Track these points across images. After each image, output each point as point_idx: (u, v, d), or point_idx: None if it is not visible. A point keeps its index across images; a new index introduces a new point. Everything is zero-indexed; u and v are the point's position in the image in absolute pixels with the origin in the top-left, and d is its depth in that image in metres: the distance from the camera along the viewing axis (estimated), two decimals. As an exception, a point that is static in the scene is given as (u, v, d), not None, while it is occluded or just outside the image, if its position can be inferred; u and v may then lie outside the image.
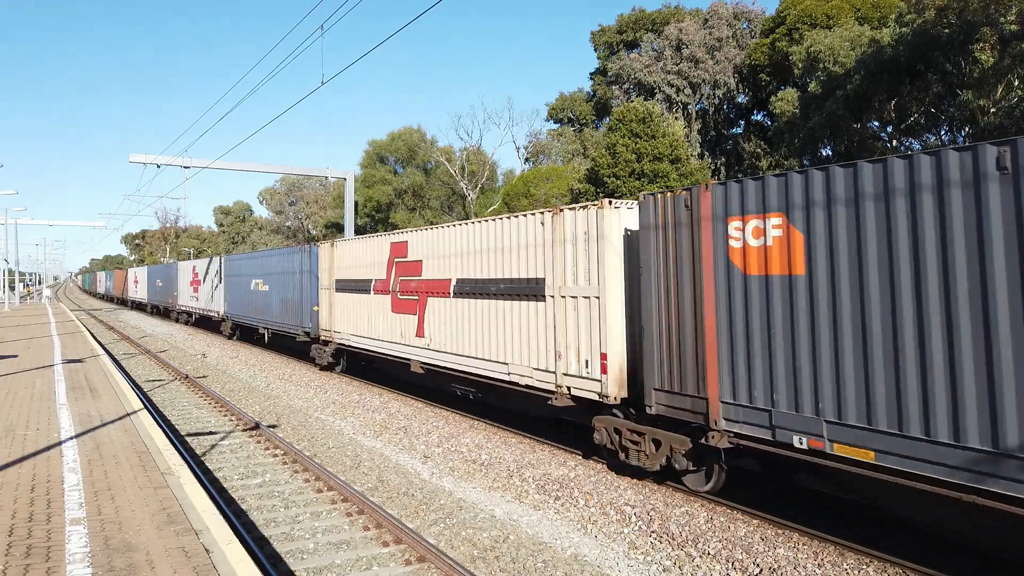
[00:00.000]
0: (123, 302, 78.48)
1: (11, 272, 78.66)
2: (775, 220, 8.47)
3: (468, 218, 49.51)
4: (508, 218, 13.66)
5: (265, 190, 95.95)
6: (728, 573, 7.97)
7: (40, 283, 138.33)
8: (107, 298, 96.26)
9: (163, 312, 54.89)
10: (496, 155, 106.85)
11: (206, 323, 42.00)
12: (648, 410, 10.22)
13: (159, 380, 22.59)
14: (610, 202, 11.21)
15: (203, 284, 39.58)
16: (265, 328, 29.03)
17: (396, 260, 18.13)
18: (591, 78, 61.28)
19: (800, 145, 36.46)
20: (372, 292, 19.40)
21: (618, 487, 10.80)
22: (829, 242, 7.93)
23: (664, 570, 8.11)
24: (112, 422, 12.16)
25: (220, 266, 36.08)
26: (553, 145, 58.85)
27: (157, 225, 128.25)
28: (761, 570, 7.94)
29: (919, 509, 8.77)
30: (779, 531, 9.00)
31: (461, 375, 15.28)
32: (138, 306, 67.85)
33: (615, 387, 10.98)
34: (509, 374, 13.49)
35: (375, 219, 61.54)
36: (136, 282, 66.31)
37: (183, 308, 45.78)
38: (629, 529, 9.25)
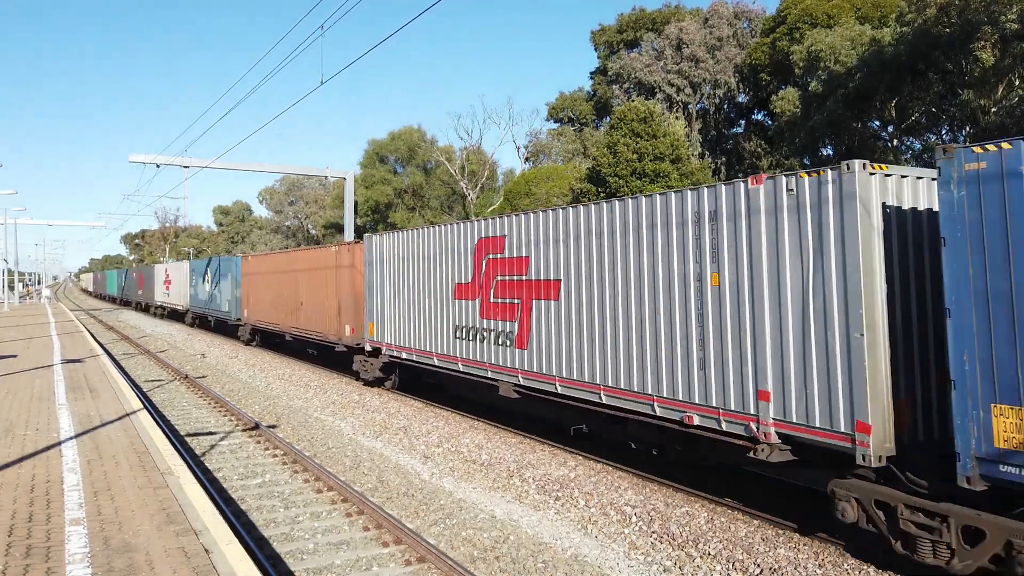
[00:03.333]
0: (269, 341, 30.66)
1: (11, 272, 78.66)
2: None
3: (468, 217, 49.52)
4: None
5: (265, 190, 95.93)
6: (729, 573, 7.95)
7: (39, 283, 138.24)
8: (201, 322, 42.31)
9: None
10: (496, 155, 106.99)
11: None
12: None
13: (158, 380, 22.58)
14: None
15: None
16: None
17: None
18: (591, 78, 61.18)
19: (801, 145, 36.44)
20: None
21: (619, 487, 10.79)
22: None
23: (664, 570, 8.10)
24: (112, 422, 12.14)
25: None
26: (553, 145, 58.76)
27: (156, 225, 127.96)
28: (762, 570, 7.92)
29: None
30: (780, 531, 8.99)
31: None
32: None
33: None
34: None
35: (375, 219, 61.45)
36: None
37: None
38: (629, 529, 9.23)
